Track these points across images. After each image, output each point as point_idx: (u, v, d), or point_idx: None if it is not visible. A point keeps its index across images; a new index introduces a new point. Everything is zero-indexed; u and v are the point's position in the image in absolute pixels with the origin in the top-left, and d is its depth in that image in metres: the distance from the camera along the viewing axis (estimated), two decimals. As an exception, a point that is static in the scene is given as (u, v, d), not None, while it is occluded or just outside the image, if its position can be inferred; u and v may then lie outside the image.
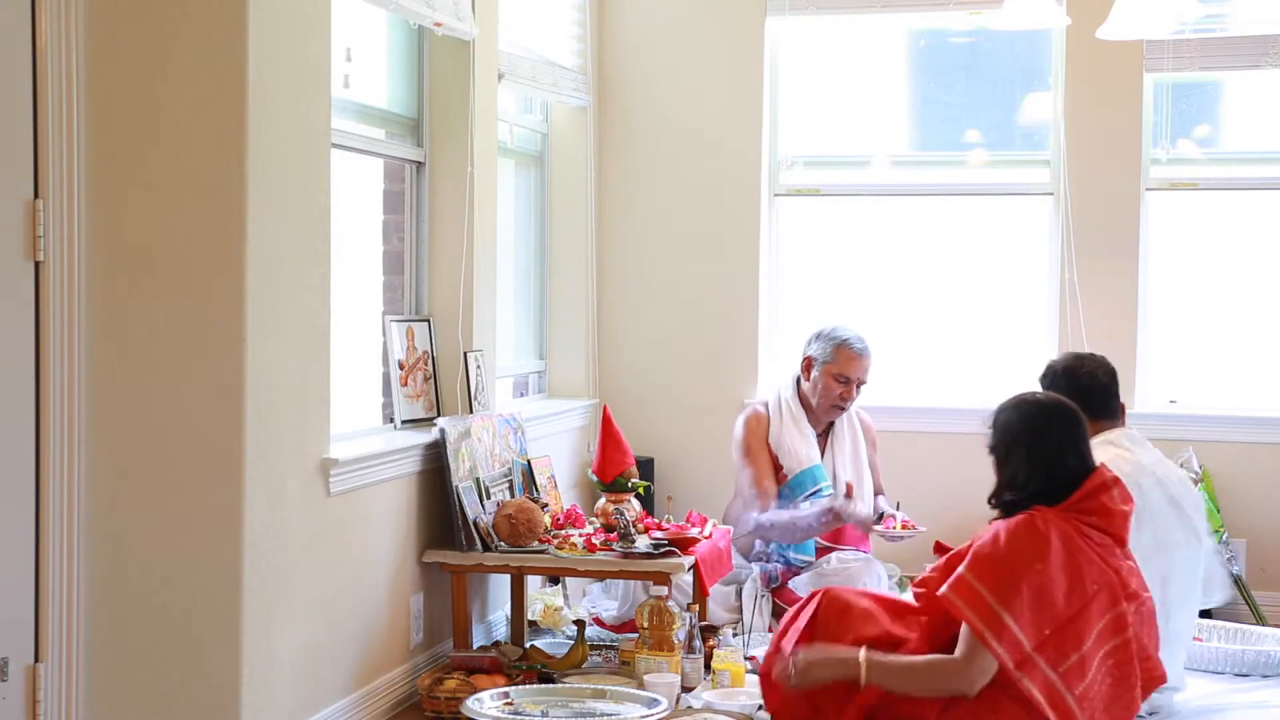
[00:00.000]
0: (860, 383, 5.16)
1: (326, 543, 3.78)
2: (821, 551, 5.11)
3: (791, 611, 3.70)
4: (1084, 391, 4.03)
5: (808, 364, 5.20)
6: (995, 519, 3.50)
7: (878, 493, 5.33)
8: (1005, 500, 3.48)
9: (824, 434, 5.25)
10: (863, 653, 3.40)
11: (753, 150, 5.89)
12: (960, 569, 3.37)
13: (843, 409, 5.19)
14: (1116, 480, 3.47)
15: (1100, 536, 3.39)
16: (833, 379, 5.13)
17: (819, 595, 3.64)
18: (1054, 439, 3.46)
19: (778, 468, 5.15)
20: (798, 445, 5.15)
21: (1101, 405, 4.11)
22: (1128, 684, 3.38)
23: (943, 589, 3.37)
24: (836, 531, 5.08)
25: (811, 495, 5.08)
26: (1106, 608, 3.36)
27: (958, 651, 3.33)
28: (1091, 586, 3.34)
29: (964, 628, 3.31)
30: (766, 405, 5.26)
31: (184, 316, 3.40)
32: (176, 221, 3.40)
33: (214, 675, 3.41)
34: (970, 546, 3.45)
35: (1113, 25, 4.79)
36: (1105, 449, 3.89)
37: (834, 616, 3.56)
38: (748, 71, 5.88)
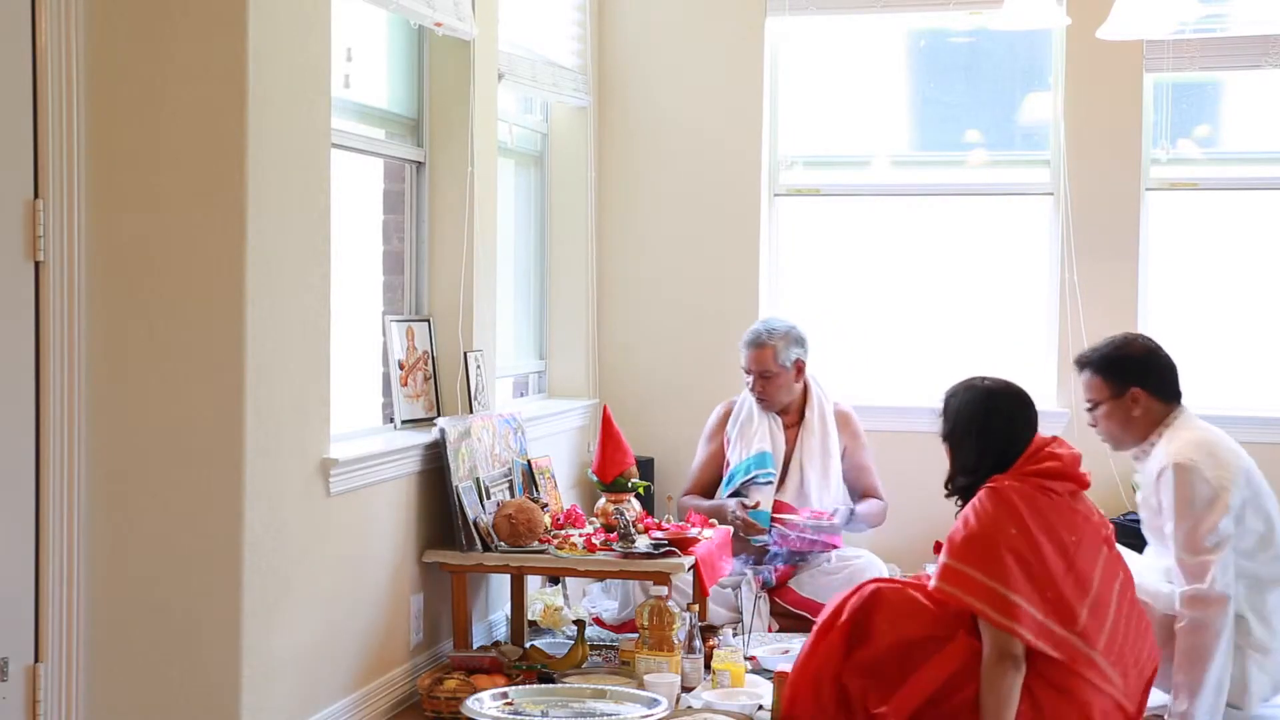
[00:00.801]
0: (761, 373, 5.19)
1: (326, 543, 3.78)
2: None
3: (834, 606, 3.70)
4: (1169, 372, 4.04)
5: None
6: (958, 507, 3.61)
7: (866, 494, 5.31)
8: (960, 485, 3.61)
9: (794, 425, 5.28)
10: None
11: (753, 150, 5.89)
12: (941, 558, 3.47)
13: (764, 401, 5.24)
14: (1055, 438, 3.61)
15: (1061, 485, 3.48)
16: (746, 375, 5.24)
17: (865, 592, 3.64)
18: (1004, 423, 3.58)
19: (725, 458, 5.32)
20: (753, 435, 5.24)
21: (1176, 387, 4.08)
22: (1144, 626, 3.44)
23: (932, 582, 3.46)
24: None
25: (747, 482, 5.17)
26: (1095, 551, 3.44)
27: (985, 649, 3.40)
28: (1070, 536, 3.42)
29: (980, 621, 3.39)
30: (739, 396, 5.39)
31: (184, 316, 3.40)
32: (176, 221, 3.40)
33: (214, 675, 3.41)
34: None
35: (1113, 25, 4.79)
36: (1200, 432, 3.91)
37: (879, 615, 3.58)
38: (748, 71, 5.88)
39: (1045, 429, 5.50)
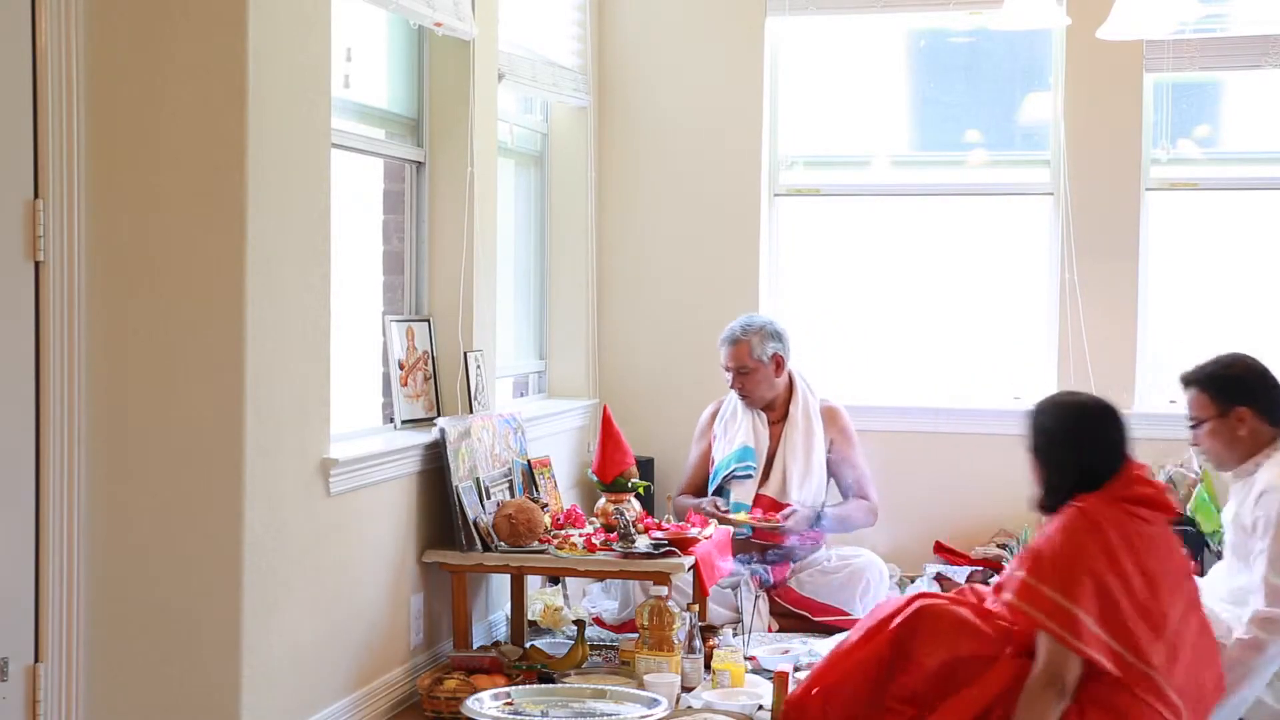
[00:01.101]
0: (739, 369, 5.21)
1: (326, 543, 3.78)
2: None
3: (883, 615, 3.60)
4: (1279, 394, 3.93)
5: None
6: (1044, 520, 3.48)
7: (858, 494, 5.29)
8: (1047, 503, 3.48)
9: (780, 421, 5.29)
10: None
11: (753, 150, 5.89)
12: (1020, 572, 3.34)
13: (745, 397, 5.26)
14: (1144, 465, 3.50)
15: (1150, 513, 3.36)
16: (726, 372, 5.27)
17: (911, 610, 3.53)
18: (1097, 441, 3.44)
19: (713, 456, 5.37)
20: (736, 431, 5.27)
21: None
22: (1212, 655, 3.37)
23: (1006, 595, 3.34)
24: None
25: (728, 476, 5.21)
26: (1176, 586, 3.33)
27: (1038, 660, 3.30)
28: (1157, 566, 3.30)
29: (1040, 634, 3.28)
30: (727, 396, 5.41)
31: (184, 316, 3.40)
32: (176, 221, 3.40)
33: (214, 675, 3.40)
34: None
35: (1113, 25, 4.79)
36: None
37: (927, 631, 3.48)
38: (748, 71, 5.87)
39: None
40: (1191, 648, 3.34)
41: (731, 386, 5.28)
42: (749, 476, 5.19)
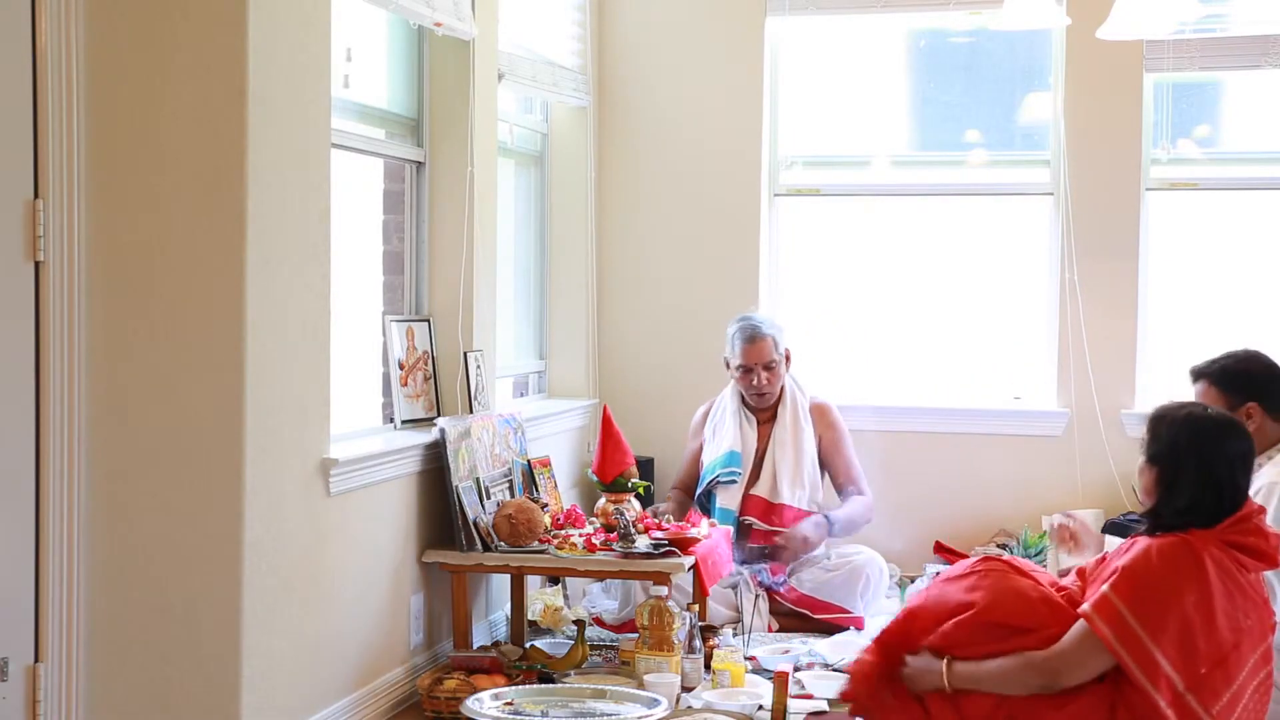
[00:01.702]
0: (765, 365, 5.18)
1: (326, 543, 3.78)
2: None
3: (958, 570, 3.47)
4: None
5: (727, 365, 5.32)
6: (1139, 534, 3.31)
7: (843, 486, 5.29)
8: (1163, 520, 3.27)
9: (769, 421, 5.28)
10: (944, 665, 3.29)
11: (753, 150, 5.89)
12: (1105, 587, 3.19)
13: (763, 395, 5.22)
14: (1261, 507, 3.34)
15: (1254, 563, 3.23)
16: (739, 372, 5.23)
17: (985, 566, 3.39)
18: (1227, 458, 3.26)
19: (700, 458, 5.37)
20: (724, 433, 5.26)
21: None
22: (1264, 708, 3.25)
23: (1085, 606, 3.20)
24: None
25: (714, 481, 5.20)
26: (1258, 641, 3.21)
27: (1061, 643, 3.19)
28: (1245, 621, 3.17)
29: (1080, 625, 3.17)
30: (718, 396, 5.41)
31: (184, 316, 3.40)
32: (176, 221, 3.40)
33: (214, 675, 3.40)
34: (1105, 560, 3.30)
35: (1113, 25, 4.79)
36: None
37: (1008, 599, 3.33)
38: (748, 71, 5.87)
39: (1045, 428, 5.63)
40: (1248, 703, 3.21)
41: (748, 386, 5.21)
42: (733, 482, 5.18)
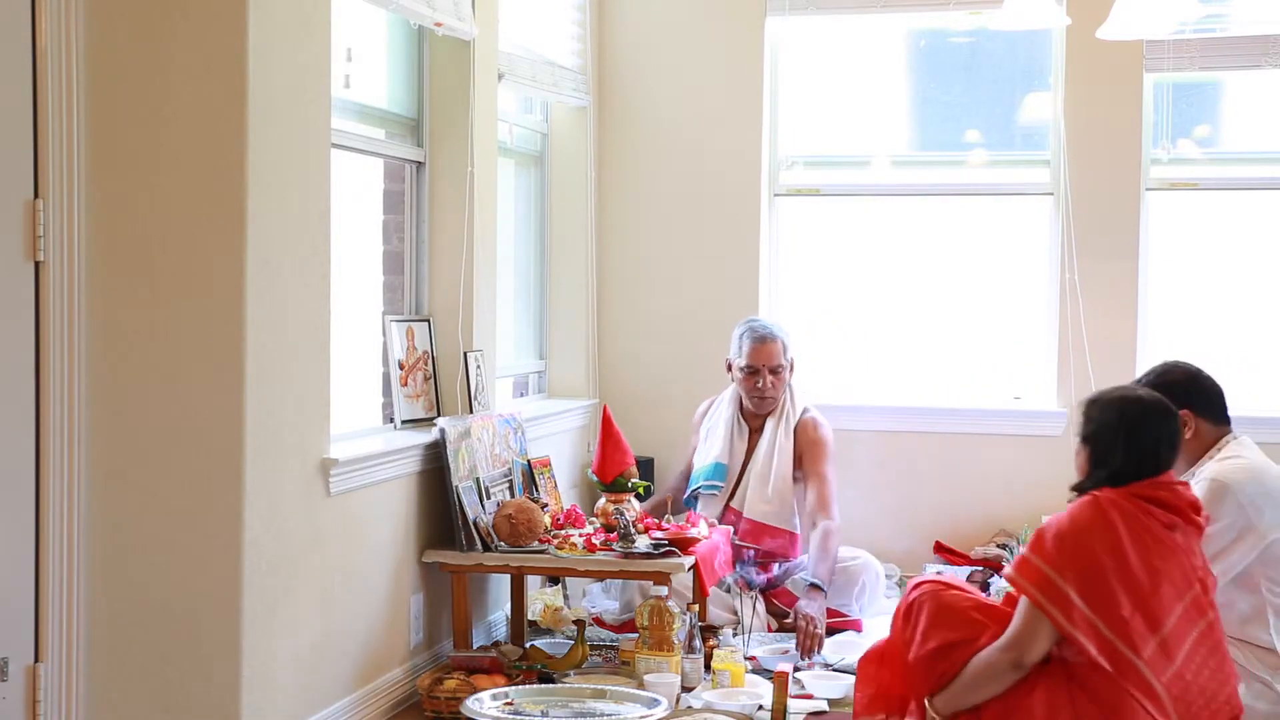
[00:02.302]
0: (770, 369, 5.13)
1: (326, 543, 3.78)
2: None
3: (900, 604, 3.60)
4: (1216, 394, 4.00)
5: (729, 367, 5.28)
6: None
7: (818, 512, 5.06)
8: (1081, 488, 3.46)
9: (759, 430, 5.23)
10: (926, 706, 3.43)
11: (753, 150, 5.89)
12: (1022, 549, 3.38)
13: (765, 398, 5.17)
14: (1185, 483, 3.48)
15: (1166, 515, 3.36)
16: (743, 373, 5.18)
17: (919, 590, 3.53)
18: (1153, 439, 3.42)
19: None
20: (714, 440, 5.24)
21: (1225, 410, 4.02)
22: (1223, 673, 3.34)
23: (1007, 570, 3.38)
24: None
25: (698, 489, 5.18)
26: (1181, 586, 3.32)
27: (1010, 626, 3.31)
28: (1161, 564, 3.30)
29: (1020, 600, 3.30)
30: (720, 395, 5.37)
31: (184, 316, 3.40)
32: (176, 221, 3.40)
33: (214, 675, 3.41)
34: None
35: (1113, 25, 4.79)
36: (1252, 459, 3.88)
37: (930, 614, 3.48)
38: (748, 71, 5.87)
39: (1045, 428, 5.63)
40: (1191, 656, 3.31)
41: (751, 388, 5.15)
42: (714, 494, 5.16)
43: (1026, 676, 3.31)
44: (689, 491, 5.25)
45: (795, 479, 5.15)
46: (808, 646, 4.53)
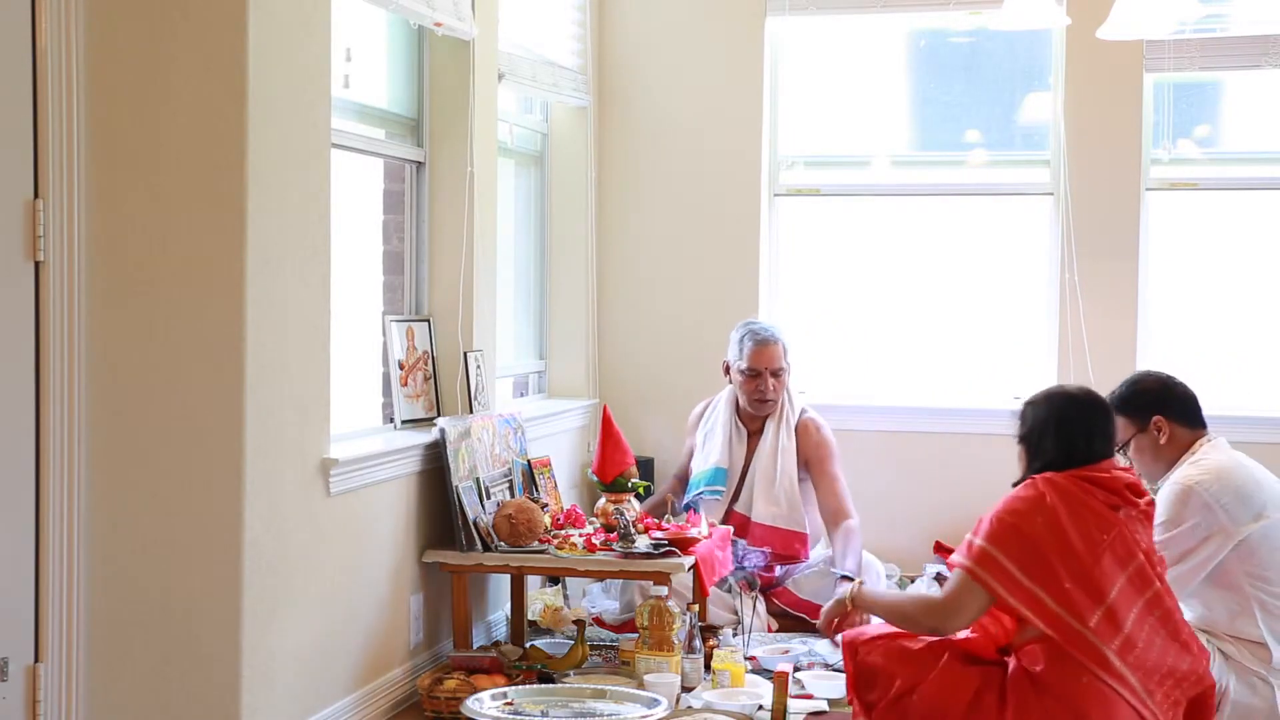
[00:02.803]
0: (772, 371, 5.13)
1: (326, 543, 3.78)
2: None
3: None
4: (1188, 399, 4.08)
5: (726, 368, 5.27)
6: None
7: (837, 513, 5.08)
8: (1019, 483, 3.56)
9: (758, 434, 5.22)
10: (851, 588, 3.78)
11: (753, 150, 5.89)
12: (968, 537, 3.49)
13: (765, 401, 5.15)
14: (1128, 467, 3.62)
15: (1106, 495, 3.44)
16: (743, 375, 5.17)
17: (854, 657, 3.62)
18: (1084, 428, 3.53)
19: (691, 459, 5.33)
20: (713, 444, 5.22)
21: (1199, 414, 4.09)
22: (1181, 644, 3.40)
23: (954, 556, 3.47)
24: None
25: (699, 495, 5.16)
26: (1124, 558, 3.39)
27: (942, 589, 3.49)
28: (1101, 536, 3.38)
29: (954, 573, 3.44)
30: (716, 397, 5.35)
31: (184, 316, 3.40)
32: (176, 221, 3.40)
33: (214, 675, 3.41)
34: None
35: (1113, 25, 4.79)
36: (1222, 461, 3.94)
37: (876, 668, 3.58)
38: (748, 71, 5.87)
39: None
40: (1140, 624, 3.38)
41: (752, 391, 5.14)
42: (716, 499, 5.16)
43: (999, 693, 3.38)
44: (688, 498, 5.23)
45: (800, 479, 5.15)
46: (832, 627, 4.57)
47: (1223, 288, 5.73)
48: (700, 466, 5.24)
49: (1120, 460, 3.64)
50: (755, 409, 5.20)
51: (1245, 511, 3.83)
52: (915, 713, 3.45)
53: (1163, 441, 4.03)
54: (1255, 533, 3.83)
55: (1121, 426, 4.03)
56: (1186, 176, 5.69)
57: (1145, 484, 3.91)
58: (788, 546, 5.09)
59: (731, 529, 5.01)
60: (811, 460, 5.17)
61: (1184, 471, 3.94)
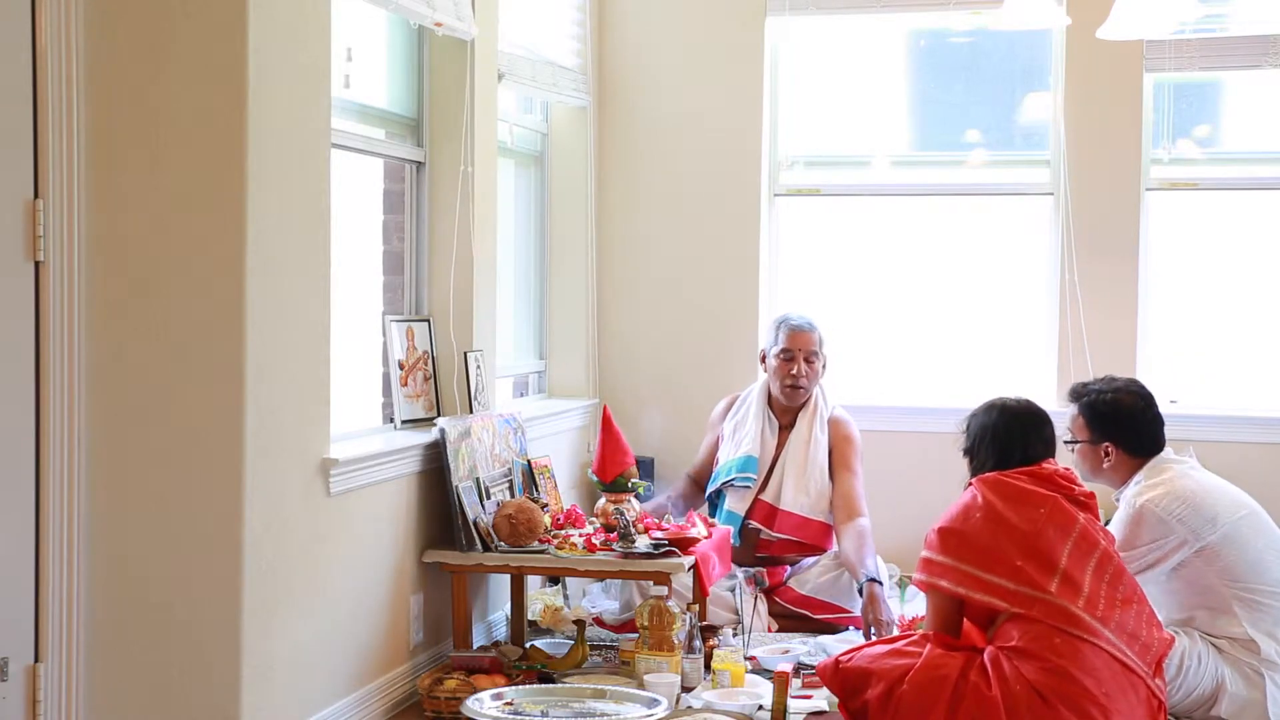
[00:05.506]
0: (807, 355, 5.19)
1: (326, 543, 3.78)
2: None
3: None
4: (1149, 428, 4.21)
5: (763, 357, 5.33)
6: None
7: (846, 508, 5.10)
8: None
9: (789, 428, 5.26)
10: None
11: (753, 150, 5.89)
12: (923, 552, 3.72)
13: (798, 386, 5.19)
14: (1066, 468, 3.80)
15: (1035, 481, 3.67)
16: (778, 359, 5.22)
17: (831, 679, 3.79)
18: (1020, 438, 3.79)
19: (717, 452, 5.36)
20: (744, 435, 5.25)
21: (1152, 442, 4.20)
22: (1136, 608, 3.57)
23: (914, 576, 3.73)
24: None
25: (727, 483, 5.18)
26: (1064, 527, 3.60)
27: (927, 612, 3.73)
28: (1036, 512, 3.61)
29: (927, 593, 3.69)
30: (745, 391, 5.39)
31: (184, 316, 3.40)
32: (176, 221, 3.40)
33: (214, 675, 3.41)
34: None
35: (1113, 25, 4.79)
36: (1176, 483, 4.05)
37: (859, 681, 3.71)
38: (748, 71, 5.87)
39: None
40: (1096, 583, 3.55)
41: (785, 373, 5.18)
42: (746, 487, 5.17)
43: (982, 671, 3.52)
44: (715, 486, 5.24)
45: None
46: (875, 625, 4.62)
47: (1222, 288, 5.73)
48: (729, 455, 5.25)
49: (1058, 464, 3.81)
50: (788, 397, 5.22)
51: (1199, 519, 3.96)
52: (906, 703, 3.53)
53: (1105, 466, 4.19)
54: (1215, 540, 3.97)
55: (1078, 426, 4.27)
56: (1186, 176, 5.69)
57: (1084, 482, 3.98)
58: (815, 536, 5.13)
59: (732, 530, 5.01)
60: (835, 454, 5.24)
61: (1134, 491, 4.08)
